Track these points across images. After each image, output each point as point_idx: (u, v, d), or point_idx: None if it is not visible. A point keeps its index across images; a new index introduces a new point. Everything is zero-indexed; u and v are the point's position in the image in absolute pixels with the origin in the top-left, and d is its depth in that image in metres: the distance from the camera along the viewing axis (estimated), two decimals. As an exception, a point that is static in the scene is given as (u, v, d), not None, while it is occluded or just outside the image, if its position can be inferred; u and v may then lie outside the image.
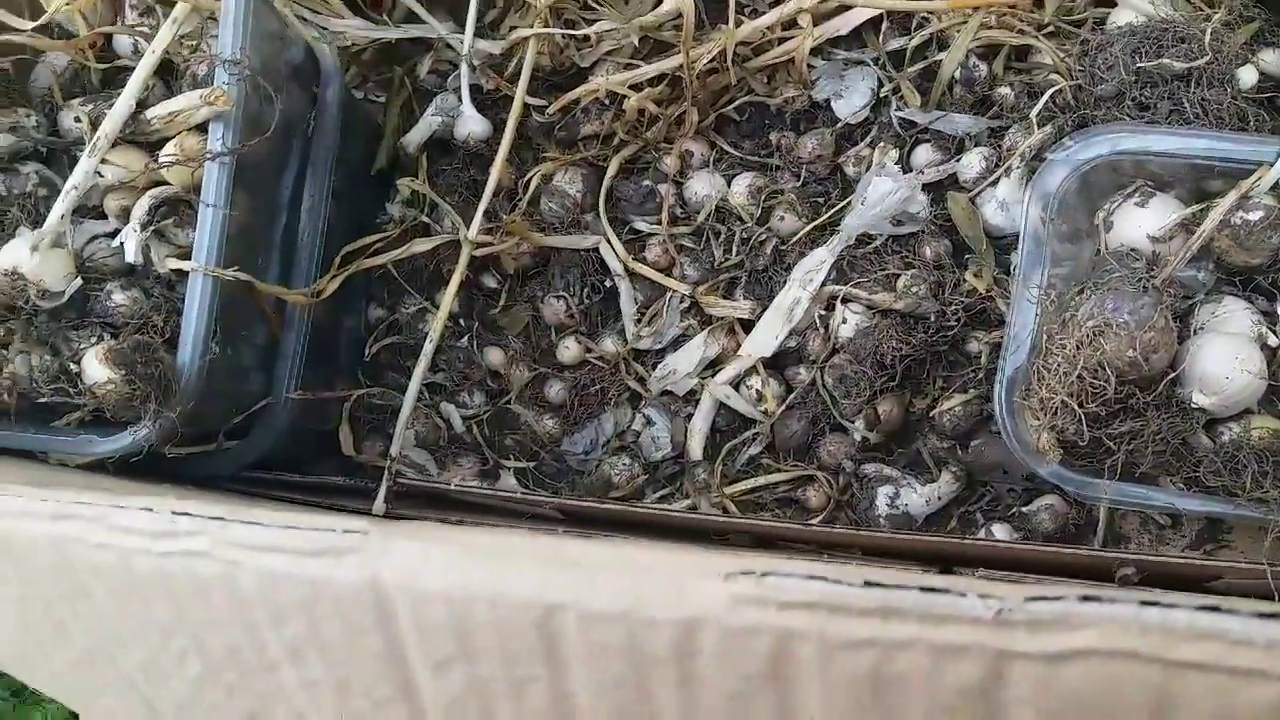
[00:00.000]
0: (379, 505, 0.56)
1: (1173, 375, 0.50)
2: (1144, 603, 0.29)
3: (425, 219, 0.66)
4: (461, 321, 0.66)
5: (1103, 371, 0.49)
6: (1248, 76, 0.57)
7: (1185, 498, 0.51)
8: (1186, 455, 0.51)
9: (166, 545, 0.36)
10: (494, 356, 0.66)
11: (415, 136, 0.68)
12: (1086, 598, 0.29)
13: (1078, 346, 0.49)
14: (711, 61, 0.63)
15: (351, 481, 0.60)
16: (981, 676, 0.30)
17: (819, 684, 0.31)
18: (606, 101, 0.66)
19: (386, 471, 0.57)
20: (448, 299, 0.61)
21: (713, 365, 0.65)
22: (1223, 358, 0.51)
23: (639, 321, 0.66)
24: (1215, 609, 0.28)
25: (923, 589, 0.30)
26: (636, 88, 0.64)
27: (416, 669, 0.36)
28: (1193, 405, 0.51)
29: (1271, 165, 0.52)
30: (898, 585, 0.30)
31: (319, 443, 0.65)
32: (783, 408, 0.63)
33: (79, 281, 0.53)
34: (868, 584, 0.30)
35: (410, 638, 0.35)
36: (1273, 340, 0.53)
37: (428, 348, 0.61)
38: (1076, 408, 0.48)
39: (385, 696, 0.36)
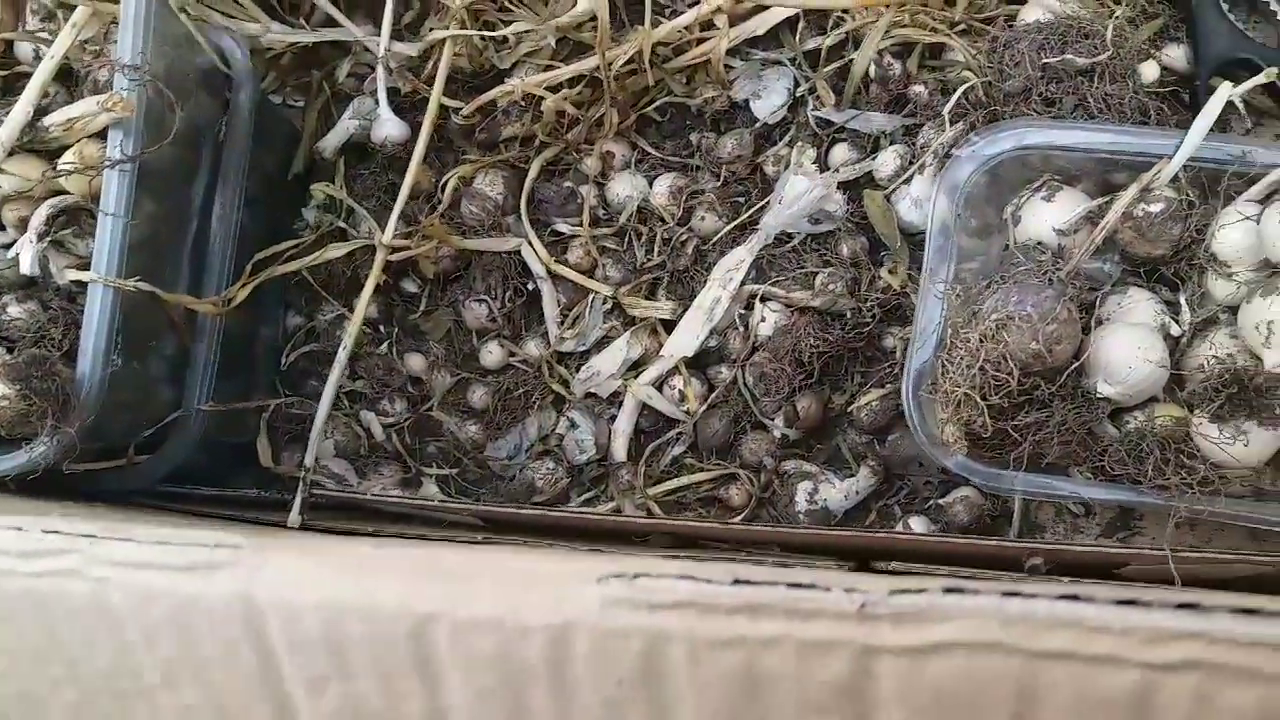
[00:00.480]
0: (294, 518, 0.55)
1: (1077, 366, 0.51)
2: (1006, 593, 0.29)
3: (342, 224, 0.65)
4: (381, 328, 0.66)
5: (1006, 364, 0.49)
6: (1149, 71, 0.58)
7: (1091, 487, 0.52)
8: (1093, 445, 0.52)
9: (36, 565, 0.35)
10: (415, 362, 0.65)
11: (332, 140, 0.67)
12: (950, 590, 0.29)
13: (981, 340, 0.50)
14: (630, 62, 0.63)
15: (268, 494, 0.59)
16: (850, 672, 0.30)
17: (691, 685, 0.31)
18: (524, 103, 0.66)
19: (301, 483, 0.56)
20: (362, 304, 0.60)
21: (636, 366, 0.65)
22: (1126, 348, 0.51)
23: (562, 324, 0.65)
24: (1074, 597, 0.29)
25: (789, 585, 0.30)
26: (555, 89, 0.64)
27: (292, 688, 0.35)
28: (1097, 395, 0.51)
29: (1171, 158, 0.53)
30: (765, 582, 0.30)
31: (238, 454, 0.64)
32: (704, 407, 0.63)
33: (-28, 295, 0.52)
34: (736, 581, 0.30)
35: (284, 656, 0.34)
36: (1175, 330, 0.53)
37: (341, 354, 0.60)
38: (980, 400, 0.49)
39: (262, 718, 0.36)
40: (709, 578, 0.30)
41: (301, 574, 0.34)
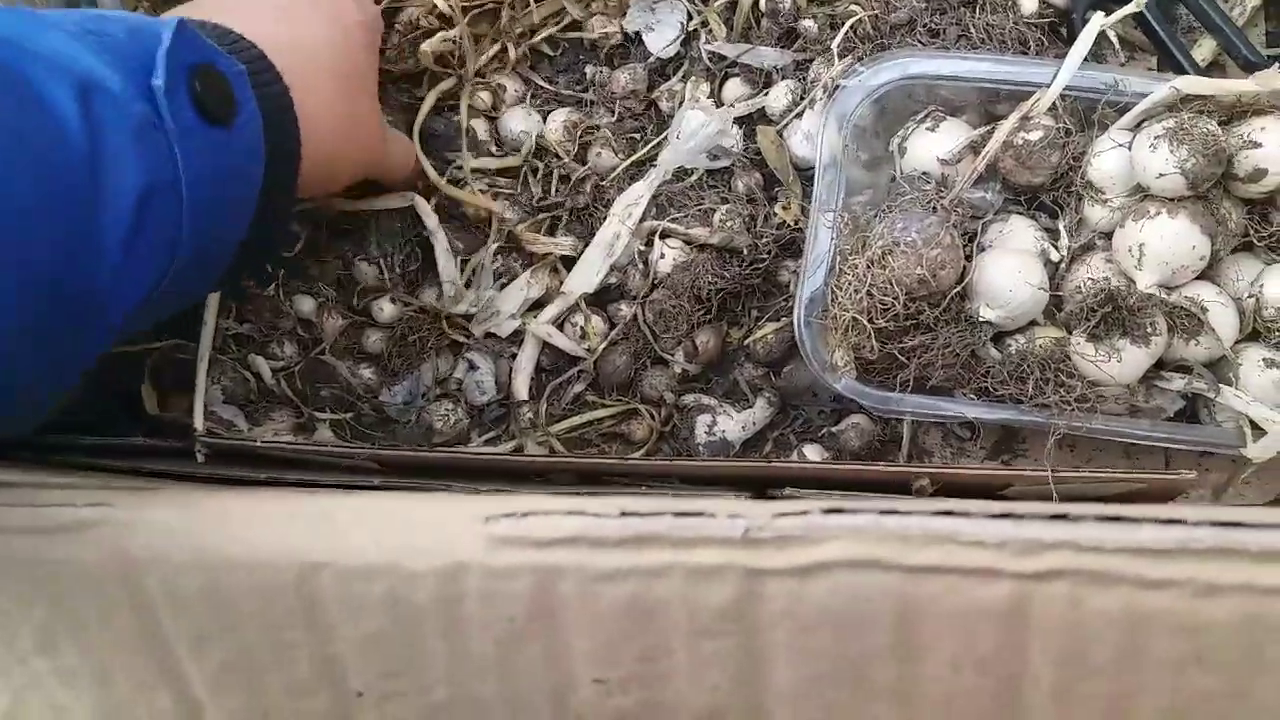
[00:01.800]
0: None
1: (959, 290, 0.52)
2: (883, 511, 0.30)
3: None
4: (268, 268, 0.63)
5: (892, 289, 0.50)
6: (1028, 4, 0.59)
7: (975, 406, 0.53)
8: (976, 367, 0.54)
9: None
10: (304, 305, 0.63)
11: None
12: (830, 509, 0.30)
13: (868, 265, 0.51)
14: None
15: (156, 441, 0.57)
16: (736, 596, 0.31)
17: (583, 618, 0.32)
18: (413, 31, 0.63)
19: (198, 445, 0.55)
20: None
21: (536, 305, 0.65)
22: (1006, 272, 0.53)
23: (461, 275, 0.64)
24: (949, 513, 0.30)
25: (675, 514, 0.30)
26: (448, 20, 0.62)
27: (176, 647, 0.34)
28: (980, 319, 0.53)
29: (1048, 87, 0.54)
30: (652, 513, 0.30)
31: (123, 402, 0.62)
32: (605, 344, 0.63)
33: None
34: (623, 514, 0.30)
35: (166, 614, 0.33)
36: (1054, 255, 0.55)
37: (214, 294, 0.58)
38: (867, 324, 0.50)
39: (148, 681, 0.35)
40: (597, 511, 0.30)
41: (177, 530, 0.33)
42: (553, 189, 0.64)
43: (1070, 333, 0.54)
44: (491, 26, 0.64)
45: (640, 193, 0.63)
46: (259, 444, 0.54)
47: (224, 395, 0.61)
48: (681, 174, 0.64)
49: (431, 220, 0.63)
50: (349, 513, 0.33)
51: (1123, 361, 0.52)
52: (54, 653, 0.34)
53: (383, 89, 0.64)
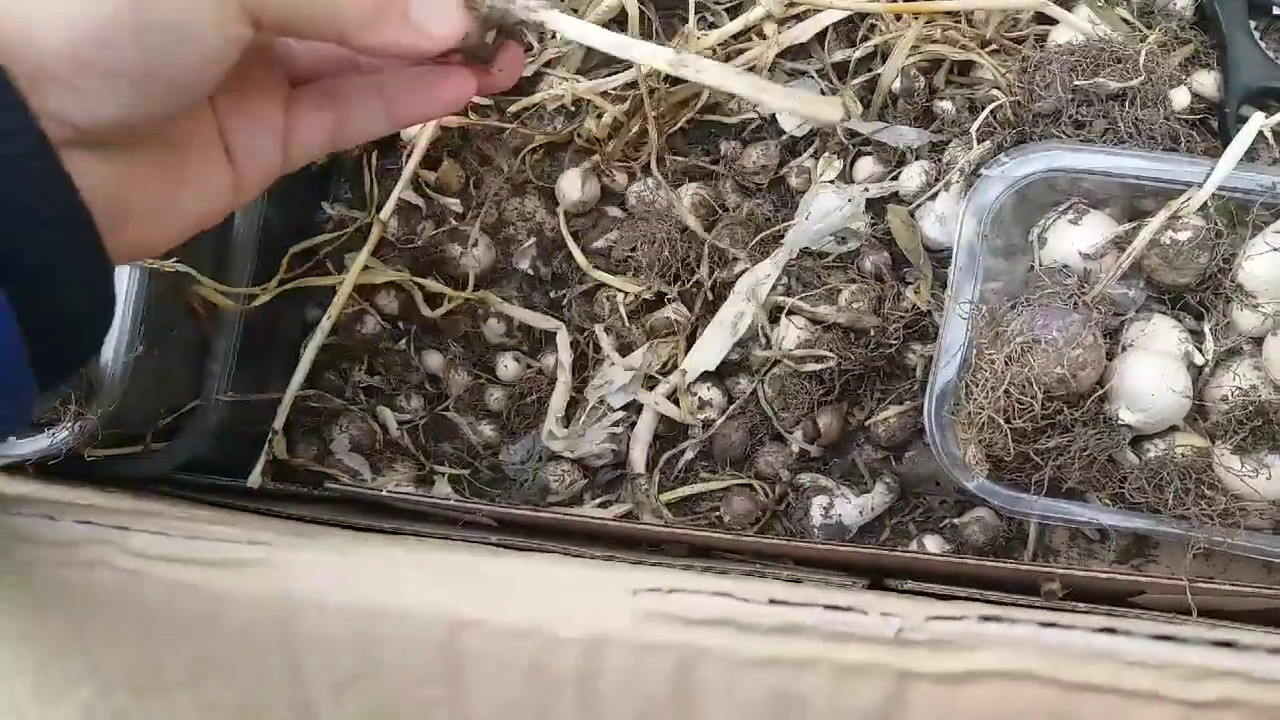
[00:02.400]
0: (254, 478, 0.55)
1: (1100, 392, 0.51)
2: (1043, 624, 0.29)
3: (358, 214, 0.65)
4: (400, 324, 0.66)
5: (1030, 387, 0.49)
6: (1180, 98, 0.57)
7: (1110, 513, 0.52)
8: (1112, 471, 0.52)
9: (65, 555, 0.35)
10: (432, 360, 0.65)
11: (356, 135, 0.67)
12: (987, 618, 0.29)
13: (1006, 362, 0.50)
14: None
15: (283, 486, 0.59)
16: (883, 698, 0.30)
17: (723, 705, 0.31)
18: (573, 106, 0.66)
19: (267, 445, 0.56)
20: (353, 271, 0.60)
21: (650, 377, 0.65)
22: (1149, 375, 0.51)
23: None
24: (1112, 630, 0.29)
25: (826, 606, 0.30)
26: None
27: (316, 691, 0.35)
28: (1119, 422, 0.51)
29: (1200, 186, 0.53)
30: (802, 603, 0.30)
31: (253, 445, 0.64)
32: (723, 418, 0.63)
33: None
34: (772, 601, 0.30)
35: (311, 657, 0.34)
36: (1198, 359, 0.53)
37: (325, 323, 0.60)
38: (1004, 423, 0.49)
39: (282, 720, 0.36)
40: (746, 596, 0.30)
41: (334, 573, 0.34)
42: (678, 263, 0.65)
43: (1214, 442, 0.52)
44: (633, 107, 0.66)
45: (768, 271, 0.63)
46: (384, 493, 0.56)
47: (350, 444, 0.63)
48: (806, 253, 0.64)
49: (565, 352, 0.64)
50: (500, 572, 0.33)
51: (1271, 478, 0.50)
52: (201, 687, 0.35)
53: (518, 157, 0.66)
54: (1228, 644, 0.28)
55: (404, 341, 0.65)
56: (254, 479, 0.55)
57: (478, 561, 0.34)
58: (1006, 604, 0.31)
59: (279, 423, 0.59)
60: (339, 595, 0.33)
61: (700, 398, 0.63)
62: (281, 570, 0.34)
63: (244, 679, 0.36)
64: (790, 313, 0.62)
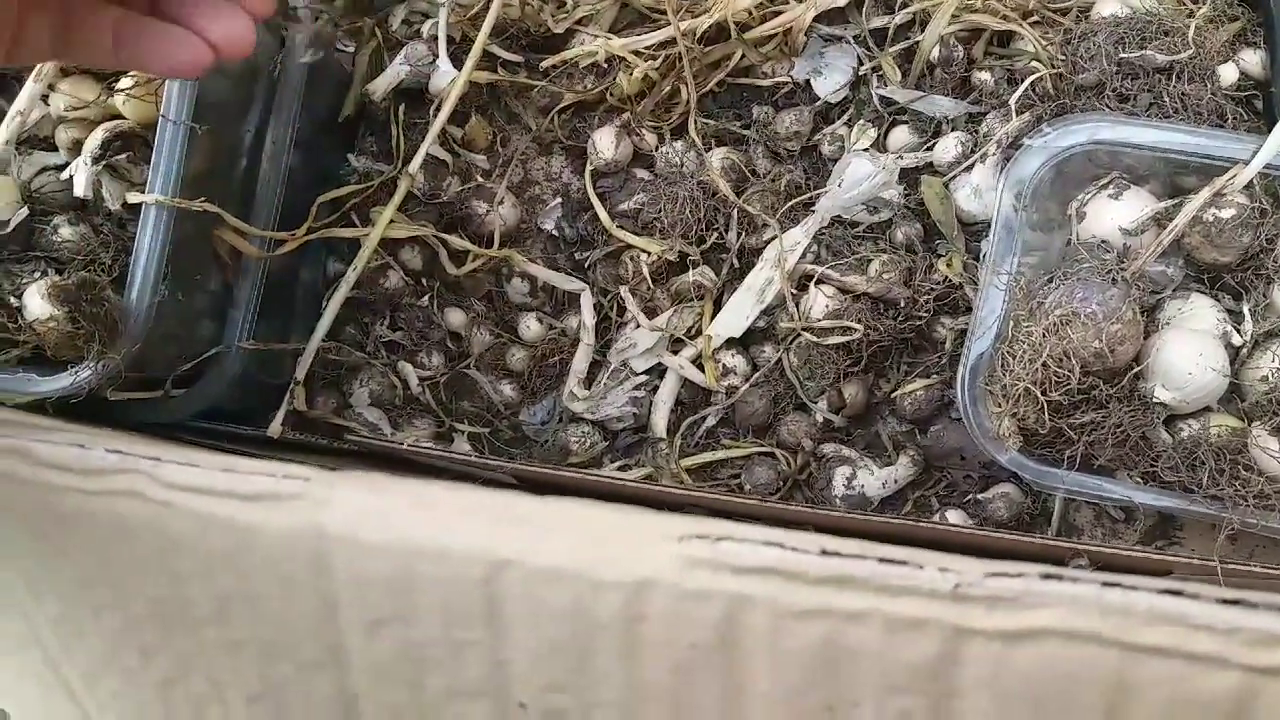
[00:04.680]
0: (275, 427, 0.55)
1: (1137, 369, 0.50)
2: (1106, 584, 0.28)
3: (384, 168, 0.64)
4: (424, 280, 0.65)
5: (1067, 361, 0.48)
6: (1228, 74, 0.57)
7: (1142, 491, 0.51)
8: (1145, 450, 0.51)
9: (96, 484, 0.34)
10: (455, 318, 0.64)
11: (381, 84, 0.66)
12: (1048, 575, 0.29)
13: (1044, 334, 0.49)
14: (704, 32, 0.62)
15: (302, 437, 0.59)
16: (937, 653, 0.29)
17: (768, 655, 0.31)
18: (601, 67, 0.65)
19: (288, 395, 0.56)
20: (381, 223, 0.59)
21: (676, 341, 0.64)
22: (1187, 354, 0.51)
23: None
24: (1178, 593, 0.28)
25: (880, 560, 0.29)
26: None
27: (348, 630, 0.34)
28: (1155, 400, 0.50)
29: (1247, 164, 0.52)
30: (855, 555, 0.29)
31: (272, 395, 0.63)
32: (746, 385, 0.62)
33: (25, 211, 0.51)
34: (824, 552, 0.29)
35: (345, 595, 0.33)
36: (1237, 339, 0.53)
37: (350, 274, 0.60)
38: (1039, 395, 0.48)
39: (312, 660, 0.35)
40: (797, 546, 0.30)
41: (372, 510, 0.33)
42: (705, 227, 0.64)
43: (1251, 424, 0.51)
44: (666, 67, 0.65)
45: (797, 239, 0.62)
46: (404, 447, 0.55)
47: (370, 398, 0.62)
48: (837, 222, 0.63)
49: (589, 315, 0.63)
50: (542, 514, 0.32)
51: (1308, 459, 0.49)
52: (230, 624, 0.34)
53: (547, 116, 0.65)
54: (1296, 610, 0.28)
55: (427, 298, 0.64)
56: (274, 428, 0.54)
57: (517, 502, 0.33)
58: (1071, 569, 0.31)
59: (301, 373, 0.58)
60: (377, 532, 0.33)
61: (724, 364, 0.62)
62: (318, 505, 0.33)
63: (274, 616, 0.35)
64: (819, 281, 0.61)
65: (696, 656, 0.32)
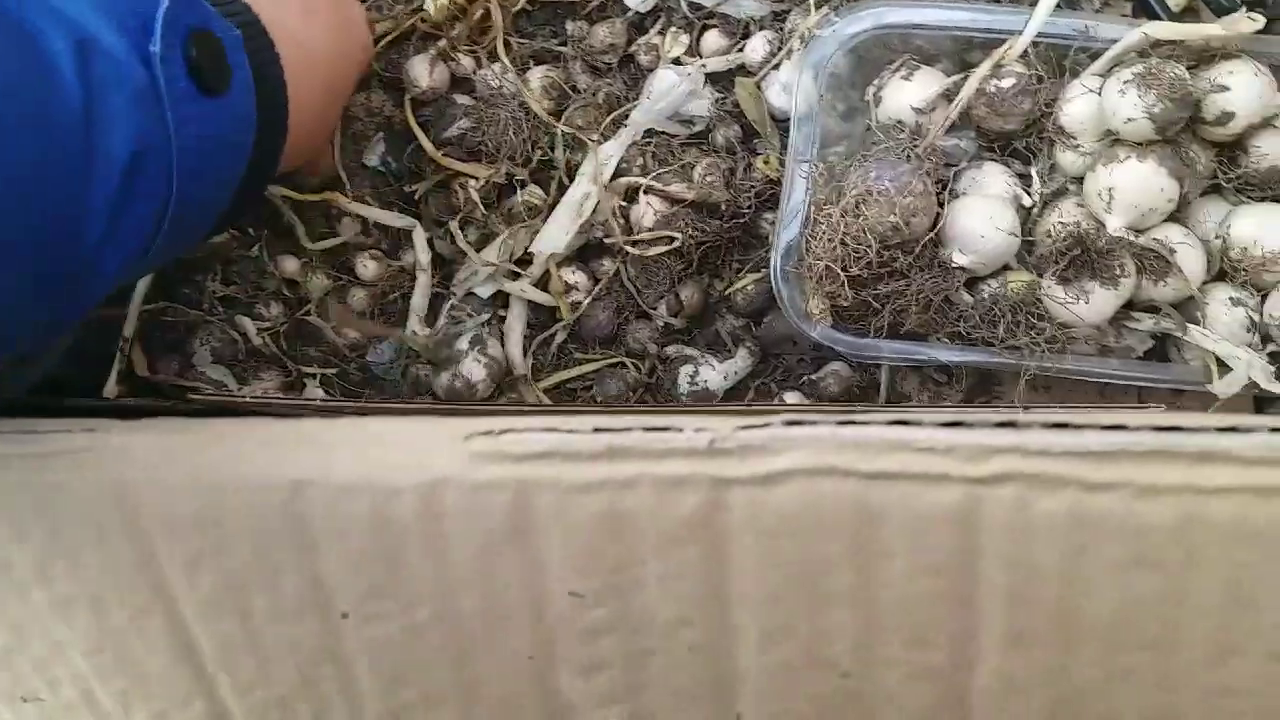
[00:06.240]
0: (110, 388, 0.55)
1: (932, 237, 0.53)
2: (841, 422, 0.31)
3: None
4: (251, 230, 0.64)
5: (866, 236, 0.51)
6: (1003, -49, 0.59)
7: (948, 350, 0.55)
8: (949, 312, 0.55)
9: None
10: (288, 265, 0.64)
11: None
12: (791, 422, 0.31)
13: (842, 214, 0.51)
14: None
15: (143, 401, 0.58)
16: (702, 504, 0.32)
17: (559, 530, 0.33)
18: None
19: (119, 353, 0.56)
20: None
21: (517, 263, 0.65)
22: (979, 218, 0.54)
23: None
24: (903, 422, 0.31)
25: (645, 429, 0.31)
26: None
27: (170, 571, 0.35)
28: (953, 265, 0.54)
29: (1020, 34, 0.55)
30: (623, 429, 0.31)
31: (112, 364, 0.63)
32: (589, 299, 0.64)
33: None
34: (596, 430, 0.31)
35: (160, 538, 0.34)
36: (1026, 200, 0.56)
37: None
38: (841, 272, 0.51)
39: (141, 606, 0.36)
40: (571, 428, 0.32)
41: (169, 452, 0.34)
42: (532, 148, 0.65)
43: (1041, 276, 0.55)
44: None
45: (611, 152, 0.64)
46: (247, 398, 0.55)
47: (212, 356, 0.62)
48: (659, 133, 0.64)
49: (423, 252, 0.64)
50: (333, 433, 0.34)
51: (1091, 303, 0.53)
52: (50, 583, 0.35)
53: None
54: (1009, 424, 0.31)
55: (256, 248, 0.64)
56: (110, 388, 0.54)
57: (313, 427, 0.35)
58: (813, 411, 0.33)
59: (129, 330, 0.58)
60: (178, 473, 0.34)
61: (566, 281, 0.64)
62: (118, 453, 0.34)
63: (93, 569, 0.36)
64: (646, 191, 0.63)
65: (494, 541, 0.34)
